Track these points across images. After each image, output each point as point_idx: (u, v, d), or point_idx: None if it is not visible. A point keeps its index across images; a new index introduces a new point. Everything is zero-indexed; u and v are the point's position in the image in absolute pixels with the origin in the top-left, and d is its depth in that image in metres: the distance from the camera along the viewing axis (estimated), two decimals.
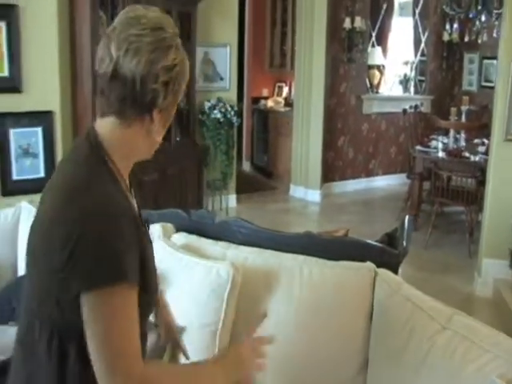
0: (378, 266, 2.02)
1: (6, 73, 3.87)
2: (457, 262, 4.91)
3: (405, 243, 2.25)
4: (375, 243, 2.20)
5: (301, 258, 2.09)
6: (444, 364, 1.60)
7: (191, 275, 2.05)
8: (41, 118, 4.20)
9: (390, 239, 2.33)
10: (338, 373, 1.94)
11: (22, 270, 2.50)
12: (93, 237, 1.07)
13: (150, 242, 1.32)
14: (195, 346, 1.94)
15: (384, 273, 1.96)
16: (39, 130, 4.22)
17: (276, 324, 2.01)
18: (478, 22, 6.24)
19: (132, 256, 1.12)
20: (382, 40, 7.90)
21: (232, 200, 6.36)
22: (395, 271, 2.12)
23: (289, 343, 1.99)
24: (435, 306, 1.80)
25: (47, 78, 4.07)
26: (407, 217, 2.47)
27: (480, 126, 5.83)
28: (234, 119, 5.93)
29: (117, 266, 1.08)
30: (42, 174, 4.23)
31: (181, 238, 2.30)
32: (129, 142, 1.22)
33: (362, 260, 2.04)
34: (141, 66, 1.14)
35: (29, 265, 1.22)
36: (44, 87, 4.05)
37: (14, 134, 4.06)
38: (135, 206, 1.30)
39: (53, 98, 4.18)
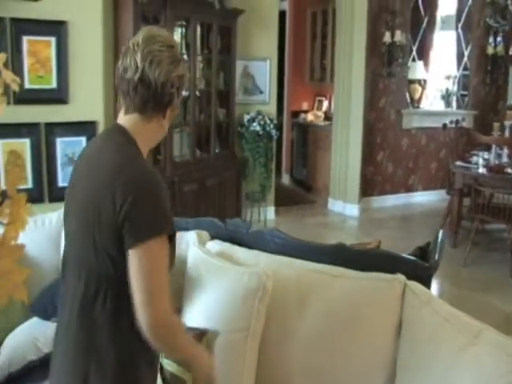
0: (410, 279, 2.02)
1: (54, 85, 4.02)
2: (497, 280, 4.79)
3: (437, 257, 2.25)
4: (406, 256, 2.20)
5: (332, 268, 2.11)
6: (471, 379, 1.59)
7: (224, 281, 2.09)
8: (85, 127, 4.34)
9: (423, 253, 2.33)
10: (366, 383, 1.94)
11: None
12: (146, 197, 1.36)
13: None
14: (226, 350, 1.98)
15: (414, 285, 1.96)
16: (83, 139, 4.37)
17: (306, 334, 2.03)
18: None
19: (171, 214, 1.41)
20: (423, 54, 7.84)
21: (270, 212, 6.40)
22: (427, 284, 2.11)
23: (319, 353, 2.01)
24: (464, 320, 1.80)
25: (92, 90, 4.21)
26: (441, 231, 2.47)
27: None
28: (273, 132, 5.99)
29: (164, 220, 1.38)
30: None
31: (215, 245, 2.35)
32: (148, 133, 1.50)
33: (394, 272, 2.05)
34: (162, 74, 1.43)
35: (73, 239, 1.48)
36: (89, 99, 4.19)
37: (60, 143, 4.21)
38: None
39: (97, 109, 4.32)
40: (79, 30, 4.04)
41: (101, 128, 4.38)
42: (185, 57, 1.48)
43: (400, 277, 1.99)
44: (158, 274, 1.37)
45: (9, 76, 0.82)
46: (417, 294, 1.92)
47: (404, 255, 2.21)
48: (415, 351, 1.81)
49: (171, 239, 1.42)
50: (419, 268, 2.14)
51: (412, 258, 2.22)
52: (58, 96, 4.02)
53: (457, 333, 1.72)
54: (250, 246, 2.34)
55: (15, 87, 0.86)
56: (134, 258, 1.35)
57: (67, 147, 4.21)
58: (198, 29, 5.11)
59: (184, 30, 4.97)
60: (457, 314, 1.82)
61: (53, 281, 2.56)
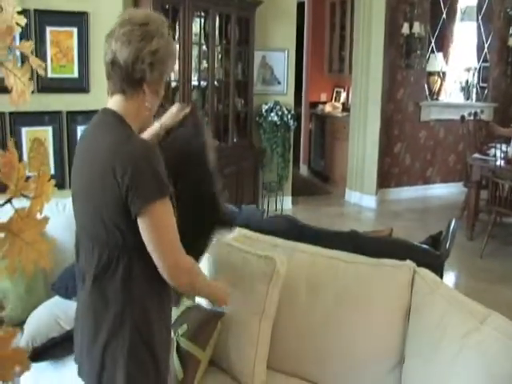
0: (421, 266, 2.06)
1: (75, 74, 4.10)
2: None
3: (448, 245, 2.28)
4: (418, 244, 2.24)
5: (344, 254, 2.16)
6: (477, 361, 1.63)
7: (238, 265, 2.15)
8: None
9: (434, 241, 2.36)
10: (375, 367, 1.99)
11: None
12: (143, 166, 1.45)
13: None
14: (240, 332, 2.05)
15: (423, 272, 2.00)
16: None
17: (317, 318, 2.09)
18: None
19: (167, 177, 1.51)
20: (442, 46, 7.79)
21: (287, 202, 6.45)
22: (438, 272, 2.14)
23: (329, 337, 2.06)
24: (471, 306, 1.84)
25: None
26: (453, 220, 2.50)
27: None
28: (291, 122, 6.02)
29: (163, 184, 1.48)
30: None
31: None
32: (132, 112, 1.57)
33: (405, 260, 2.09)
34: (131, 53, 1.51)
35: (83, 221, 1.61)
36: (105, 89, 4.27)
37: (81, 131, 4.28)
38: None
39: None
40: (100, 20, 4.10)
41: None
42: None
43: (410, 263, 2.03)
44: (168, 231, 1.50)
45: (35, 62, 0.88)
46: (425, 280, 1.96)
47: (415, 243, 2.25)
48: (423, 336, 1.86)
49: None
50: (430, 256, 2.18)
51: (423, 246, 2.26)
52: (79, 85, 4.10)
53: (464, 318, 1.77)
54: (264, 232, 2.39)
55: (41, 72, 0.91)
56: (143, 223, 1.47)
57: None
58: (217, 20, 5.15)
59: (203, 20, 5.02)
60: (464, 300, 1.86)
61: (73, 261, 2.65)
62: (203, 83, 5.15)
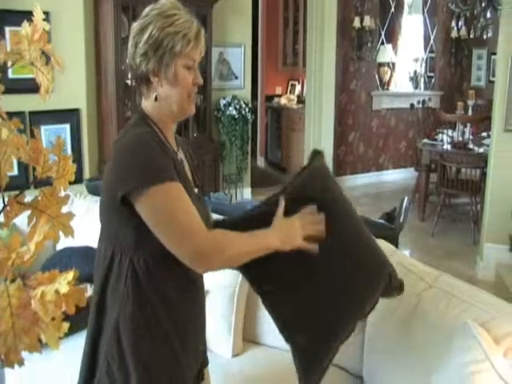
0: (378, 238, 2.28)
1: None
2: (461, 248, 5.16)
3: (401, 220, 2.53)
4: (374, 219, 2.47)
5: None
6: (429, 315, 1.87)
7: None
8: (69, 115, 4.53)
9: (389, 217, 2.61)
10: None
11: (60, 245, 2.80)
12: (124, 157, 1.42)
13: (199, 201, 1.56)
14: (216, 305, 2.24)
15: (381, 242, 2.20)
16: (67, 126, 4.55)
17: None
18: (482, 19, 6.47)
19: (171, 168, 1.42)
20: (391, 38, 8.12)
21: (247, 193, 6.64)
22: (393, 243, 2.38)
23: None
24: (424, 268, 2.08)
25: (75, 78, 4.39)
26: (405, 197, 2.76)
27: (482, 118, 6.05)
28: (249, 116, 6.21)
29: (158, 172, 1.39)
30: None
31: None
32: (155, 109, 1.52)
33: None
34: (131, 50, 1.50)
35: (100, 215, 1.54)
36: (72, 87, 4.37)
37: (44, 130, 4.38)
38: (183, 160, 1.61)
39: (80, 97, 4.51)
40: (61, 20, 4.20)
41: (84, 116, 4.56)
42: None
43: None
44: (171, 216, 1.39)
45: (58, 60, 1.04)
46: (382, 249, 2.18)
47: (372, 218, 2.48)
48: (382, 299, 2.08)
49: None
50: (386, 229, 2.42)
51: (379, 220, 2.50)
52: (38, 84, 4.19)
53: (417, 279, 2.00)
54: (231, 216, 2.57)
55: (61, 70, 1.08)
56: (140, 211, 1.39)
57: (51, 134, 4.39)
58: None
59: None
60: (417, 264, 2.11)
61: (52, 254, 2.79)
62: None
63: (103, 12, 4.56)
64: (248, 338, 2.42)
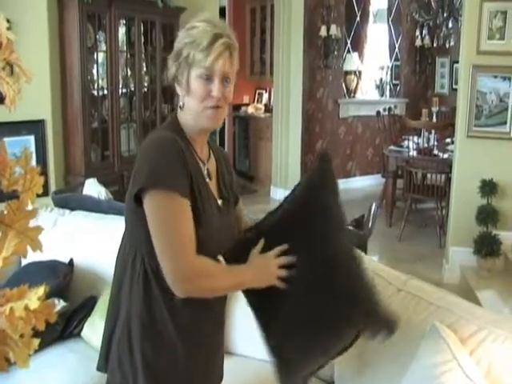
0: None
1: None
2: (428, 252, 5.25)
3: (370, 225, 2.57)
4: None
5: None
6: (399, 317, 1.89)
7: None
8: (33, 126, 4.45)
9: (358, 223, 2.64)
10: None
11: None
12: (145, 155, 1.43)
13: (220, 213, 1.56)
14: None
15: None
16: (32, 138, 4.47)
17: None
18: (445, 28, 6.63)
19: (182, 179, 1.41)
20: (357, 46, 8.24)
21: None
22: (362, 249, 2.40)
23: None
24: (393, 273, 2.12)
25: (39, 88, 4.33)
26: (374, 204, 2.80)
27: (445, 125, 6.20)
28: None
29: (168, 178, 1.39)
30: None
31: None
32: (182, 116, 1.54)
33: None
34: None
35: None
36: (36, 97, 4.30)
37: (8, 142, 4.29)
38: (209, 171, 1.58)
39: (44, 108, 4.44)
40: (24, 28, 4.14)
41: (49, 126, 4.49)
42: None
43: None
44: (170, 229, 1.39)
45: (25, 71, 1.03)
46: None
47: None
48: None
49: (200, 222, 1.44)
50: (354, 235, 2.45)
51: (348, 227, 2.52)
52: (2, 95, 4.11)
53: (386, 284, 2.03)
54: None
55: (28, 81, 1.07)
56: (145, 209, 1.41)
57: (15, 146, 4.31)
58: (142, 27, 5.27)
59: (128, 28, 5.12)
60: (386, 268, 2.14)
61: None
62: (130, 90, 5.25)
63: (68, 20, 4.51)
64: None
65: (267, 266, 1.53)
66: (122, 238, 1.58)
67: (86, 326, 2.40)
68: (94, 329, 2.32)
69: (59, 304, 2.33)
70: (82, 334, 2.41)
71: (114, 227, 2.62)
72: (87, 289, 2.53)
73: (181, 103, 1.52)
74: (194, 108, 1.49)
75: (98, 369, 1.62)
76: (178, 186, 1.39)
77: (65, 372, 2.19)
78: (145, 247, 1.44)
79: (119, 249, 1.58)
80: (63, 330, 2.40)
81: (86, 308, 2.46)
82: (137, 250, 1.48)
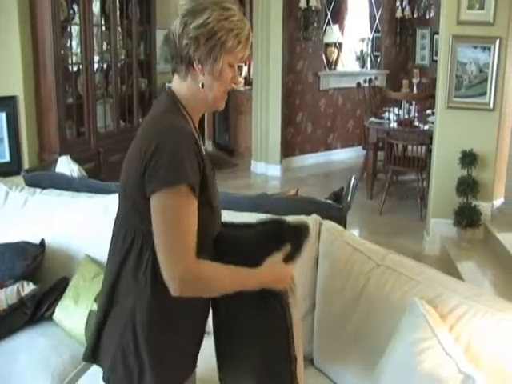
0: (326, 219, 2.27)
1: None
2: (409, 224, 5.25)
3: (349, 199, 2.52)
4: (322, 199, 2.46)
5: (255, 215, 2.32)
6: (377, 294, 1.88)
7: None
8: (5, 102, 4.33)
9: (337, 197, 2.60)
10: None
11: None
12: (165, 148, 1.37)
13: (214, 176, 1.58)
14: None
15: (328, 223, 2.22)
16: (3, 114, 4.35)
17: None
18: None
19: (193, 169, 1.40)
20: (338, 18, 8.11)
21: None
22: (342, 223, 2.37)
23: None
24: (372, 247, 2.09)
25: (9, 64, 4.19)
26: (353, 177, 2.76)
27: (426, 96, 6.16)
28: None
29: (181, 171, 1.37)
30: (6, 159, 4.36)
31: None
32: (187, 94, 1.51)
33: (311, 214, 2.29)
34: (177, 27, 1.46)
35: (119, 195, 1.53)
36: (6, 73, 4.17)
37: None
38: (202, 145, 1.54)
39: (16, 84, 4.31)
40: None
41: (21, 103, 4.37)
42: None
43: (316, 217, 2.24)
44: (175, 226, 1.38)
45: None
46: (330, 230, 2.18)
47: (320, 199, 2.47)
48: (331, 280, 2.07)
49: (210, 202, 1.47)
50: (333, 209, 2.41)
51: (327, 201, 2.49)
52: None
53: (365, 258, 2.01)
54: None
55: None
56: (152, 204, 1.39)
57: None
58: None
59: (102, 1, 4.97)
60: (365, 243, 2.11)
61: None
62: (106, 65, 5.12)
63: None
64: None
65: (284, 275, 1.57)
66: (117, 226, 1.54)
67: (57, 308, 2.34)
68: (65, 312, 2.27)
69: (28, 287, 2.27)
70: (54, 317, 2.35)
71: (86, 205, 2.57)
72: (60, 269, 2.46)
73: (201, 82, 1.49)
74: (216, 91, 1.51)
75: (85, 359, 1.60)
76: (194, 182, 1.39)
77: (36, 356, 2.15)
78: (149, 235, 1.42)
79: (114, 239, 1.55)
80: (34, 313, 2.33)
81: (57, 290, 2.39)
82: (144, 241, 1.45)
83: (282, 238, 1.60)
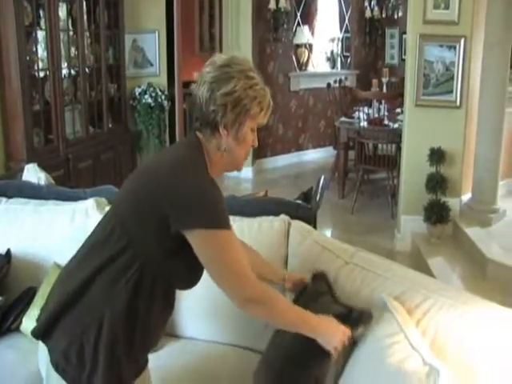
0: (295, 219, 2.28)
1: None
2: (380, 223, 5.30)
3: (318, 199, 2.54)
4: (290, 200, 2.47)
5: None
6: (346, 291, 1.88)
7: None
8: None
9: (306, 196, 2.61)
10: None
11: None
12: (203, 194, 1.49)
13: None
14: None
15: (297, 223, 2.23)
16: None
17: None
18: None
19: (227, 212, 1.55)
20: (308, 19, 8.13)
21: None
22: (311, 223, 2.38)
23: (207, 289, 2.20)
24: (341, 246, 2.10)
25: None
26: (322, 176, 2.77)
27: (395, 94, 6.23)
28: (165, 103, 6.10)
29: (223, 218, 1.52)
30: None
31: None
32: (210, 154, 1.60)
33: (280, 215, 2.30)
34: (204, 92, 1.54)
35: (124, 219, 1.56)
36: None
37: None
38: None
39: None
40: None
41: None
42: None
43: (284, 217, 2.25)
44: (225, 262, 1.53)
45: None
46: (299, 230, 2.19)
47: (289, 199, 2.48)
48: None
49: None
50: (302, 209, 2.42)
51: (296, 201, 2.50)
52: None
53: (334, 257, 2.02)
54: None
55: None
56: (194, 245, 1.50)
57: None
58: (84, 4, 5.07)
59: (69, 5, 4.90)
60: (334, 242, 2.13)
61: None
62: (74, 70, 5.06)
63: (3, 2, 4.28)
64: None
65: (338, 329, 1.63)
66: (109, 225, 1.57)
67: (24, 319, 2.29)
68: (33, 322, 2.18)
69: None
70: (21, 328, 2.31)
71: (53, 213, 2.53)
72: (27, 279, 2.40)
73: (224, 146, 1.57)
74: (238, 154, 1.62)
75: (34, 335, 1.61)
76: (227, 222, 1.53)
77: (2, 369, 2.11)
78: (153, 260, 1.50)
79: (107, 234, 1.56)
80: None
81: (23, 300, 2.34)
82: (135, 254, 1.50)
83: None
